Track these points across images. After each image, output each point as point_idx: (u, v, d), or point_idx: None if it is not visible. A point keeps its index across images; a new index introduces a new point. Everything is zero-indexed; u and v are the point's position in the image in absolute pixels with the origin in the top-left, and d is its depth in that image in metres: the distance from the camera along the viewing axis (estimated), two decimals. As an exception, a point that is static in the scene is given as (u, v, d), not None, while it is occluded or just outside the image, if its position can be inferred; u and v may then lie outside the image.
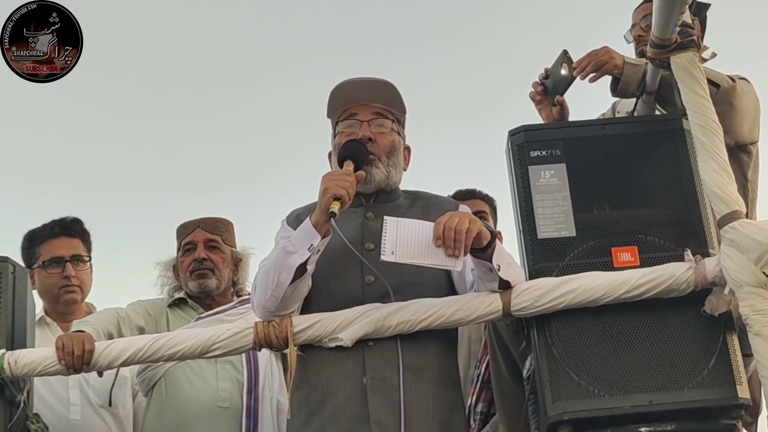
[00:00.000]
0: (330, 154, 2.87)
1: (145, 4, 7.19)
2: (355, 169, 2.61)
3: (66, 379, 3.52)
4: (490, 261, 2.48)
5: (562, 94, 3.10)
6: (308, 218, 2.55)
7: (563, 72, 3.05)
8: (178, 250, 3.73)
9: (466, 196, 3.84)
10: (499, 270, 2.48)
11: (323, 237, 2.53)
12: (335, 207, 2.46)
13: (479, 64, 7.35)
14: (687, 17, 2.70)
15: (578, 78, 3.04)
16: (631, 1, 3.47)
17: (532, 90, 3.20)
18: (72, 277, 3.76)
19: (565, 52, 3.06)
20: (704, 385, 2.45)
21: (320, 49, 7.53)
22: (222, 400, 3.39)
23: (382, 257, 2.41)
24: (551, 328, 2.55)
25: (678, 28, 2.68)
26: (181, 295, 3.66)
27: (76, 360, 2.70)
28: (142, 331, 3.41)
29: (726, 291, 2.45)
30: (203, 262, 3.60)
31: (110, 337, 3.16)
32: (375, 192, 2.79)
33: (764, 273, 2.37)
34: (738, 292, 2.41)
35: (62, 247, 3.81)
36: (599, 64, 3.03)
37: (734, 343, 2.50)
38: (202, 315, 3.54)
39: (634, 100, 3.09)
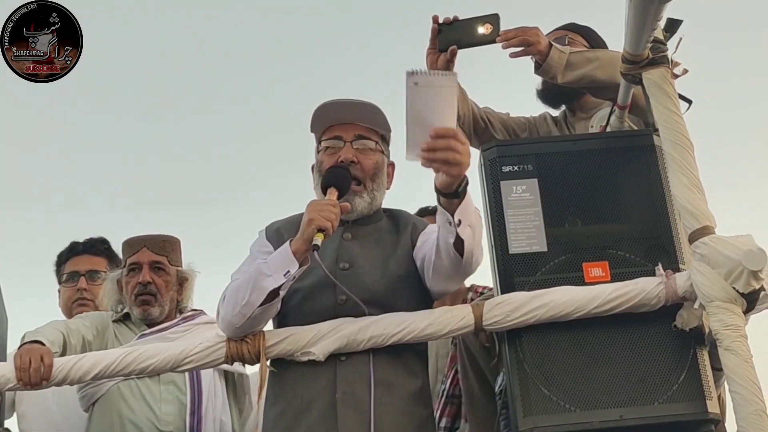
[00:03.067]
0: (312, 167, 2.87)
1: (145, 5, 7.20)
2: (339, 196, 2.62)
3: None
4: (453, 213, 2.39)
5: (461, 48, 2.96)
6: (288, 243, 2.54)
7: (481, 30, 2.93)
8: (123, 266, 3.69)
9: (433, 212, 3.83)
10: (459, 225, 2.39)
11: (301, 265, 2.53)
12: (318, 239, 2.46)
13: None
14: (659, 33, 2.71)
15: (500, 46, 3.01)
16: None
17: (434, 26, 3.00)
18: (84, 290, 3.80)
19: (497, 16, 2.94)
20: (674, 399, 2.46)
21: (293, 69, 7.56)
22: (165, 423, 3.35)
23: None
24: (522, 343, 2.54)
25: (650, 44, 2.70)
26: (127, 310, 3.63)
27: (33, 374, 2.66)
28: (89, 344, 3.38)
29: (696, 306, 2.46)
30: (147, 286, 3.56)
31: (59, 348, 3.13)
32: (357, 217, 2.79)
33: (734, 288, 2.38)
34: (708, 307, 2.41)
35: (81, 263, 3.91)
36: (526, 42, 3.06)
37: (704, 357, 2.51)
38: (145, 332, 3.52)
39: (607, 114, 3.12)
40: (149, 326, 3.57)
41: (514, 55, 3.10)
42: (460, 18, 2.95)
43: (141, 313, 3.55)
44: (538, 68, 3.14)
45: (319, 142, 2.84)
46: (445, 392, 3.34)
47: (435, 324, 2.57)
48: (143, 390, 3.38)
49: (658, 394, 2.46)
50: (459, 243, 2.42)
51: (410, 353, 2.67)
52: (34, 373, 2.66)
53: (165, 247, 3.68)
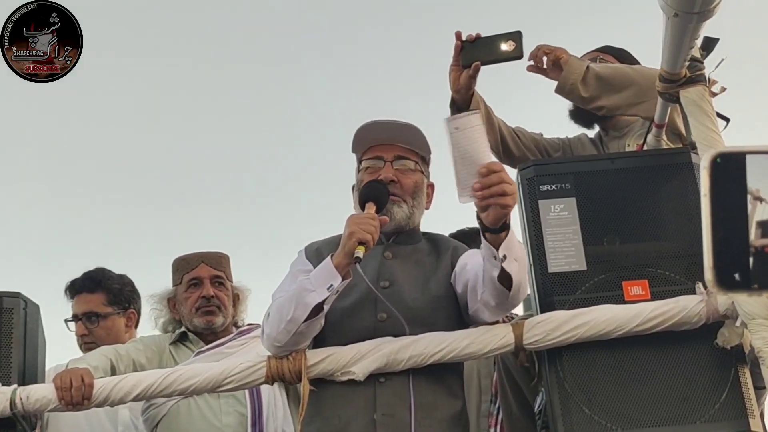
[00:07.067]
0: (353, 188, 2.90)
1: (144, 5, 7.24)
2: (377, 210, 2.63)
3: (114, 424, 3.56)
4: (498, 248, 2.38)
5: (484, 64, 2.99)
6: (329, 257, 2.55)
7: (504, 47, 2.93)
8: (178, 283, 3.70)
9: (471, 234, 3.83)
10: (503, 260, 2.39)
11: (343, 279, 2.53)
12: (360, 252, 2.47)
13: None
14: (696, 52, 2.71)
15: (527, 61, 3.15)
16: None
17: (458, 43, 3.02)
18: (84, 336, 3.84)
19: (520, 33, 2.95)
20: (716, 418, 2.45)
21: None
22: None
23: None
24: (563, 362, 2.54)
25: (687, 63, 2.70)
26: (183, 329, 3.65)
27: (75, 393, 2.68)
28: (142, 367, 3.38)
29: (738, 323, 2.45)
30: (211, 300, 3.59)
31: (105, 373, 3.16)
32: (395, 231, 2.80)
33: (775, 305, 2.38)
34: (750, 325, 2.40)
35: (79, 304, 3.94)
36: (556, 58, 3.19)
37: (746, 376, 2.49)
38: (202, 349, 3.53)
39: (644, 134, 3.12)
40: (208, 338, 3.59)
41: (549, 76, 3.15)
42: (483, 36, 2.98)
43: (205, 323, 3.57)
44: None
45: (359, 162, 2.87)
46: (499, 408, 3.32)
47: (476, 343, 2.57)
48: (202, 406, 3.40)
49: (701, 413, 2.45)
50: (504, 276, 2.43)
51: (449, 374, 2.67)
52: (76, 392, 2.68)
53: (221, 262, 3.72)
